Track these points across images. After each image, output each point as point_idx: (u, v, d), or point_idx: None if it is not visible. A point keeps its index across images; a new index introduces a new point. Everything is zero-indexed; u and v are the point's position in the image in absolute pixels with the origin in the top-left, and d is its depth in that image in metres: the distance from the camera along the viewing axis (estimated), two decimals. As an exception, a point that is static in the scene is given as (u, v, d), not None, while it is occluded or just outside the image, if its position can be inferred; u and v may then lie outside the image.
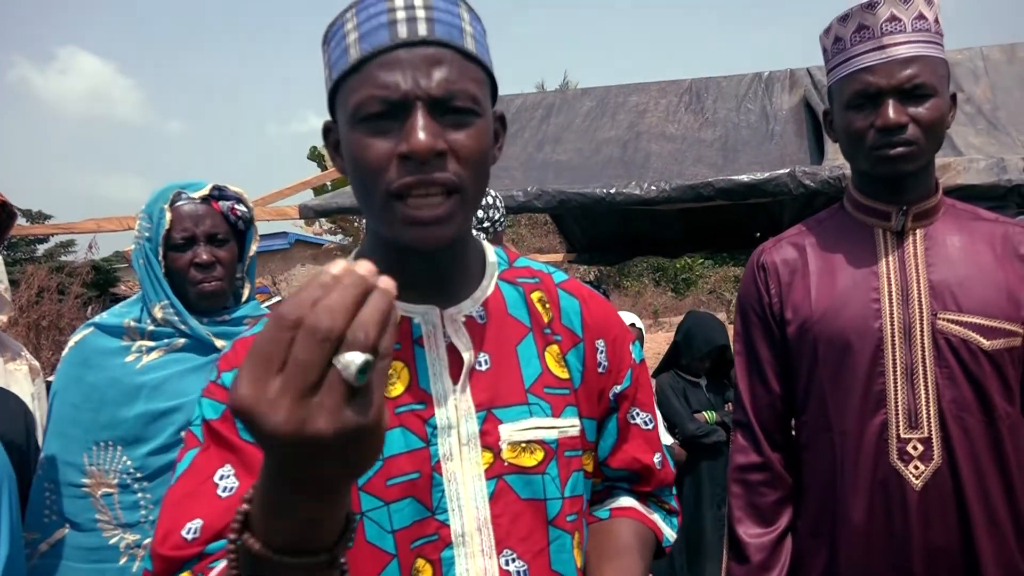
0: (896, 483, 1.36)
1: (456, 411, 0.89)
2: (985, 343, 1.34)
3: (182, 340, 1.70)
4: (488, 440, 0.89)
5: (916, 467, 1.35)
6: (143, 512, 1.62)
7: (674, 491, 1.15)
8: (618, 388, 1.03)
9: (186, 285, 1.70)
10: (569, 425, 0.94)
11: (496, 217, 2.16)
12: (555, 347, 0.97)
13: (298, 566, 0.54)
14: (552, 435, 0.92)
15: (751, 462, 1.53)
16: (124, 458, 1.62)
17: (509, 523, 0.89)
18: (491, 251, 1.02)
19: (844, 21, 1.41)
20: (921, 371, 1.36)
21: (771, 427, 1.53)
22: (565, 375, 0.97)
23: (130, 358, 1.67)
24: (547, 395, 0.94)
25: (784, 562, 1.50)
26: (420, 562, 0.86)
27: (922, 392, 1.36)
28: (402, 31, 0.81)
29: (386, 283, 0.49)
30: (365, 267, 0.49)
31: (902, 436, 1.36)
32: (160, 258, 1.69)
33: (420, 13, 0.82)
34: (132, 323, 1.70)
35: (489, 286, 0.97)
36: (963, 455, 1.33)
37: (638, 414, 1.05)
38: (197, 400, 0.88)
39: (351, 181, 0.87)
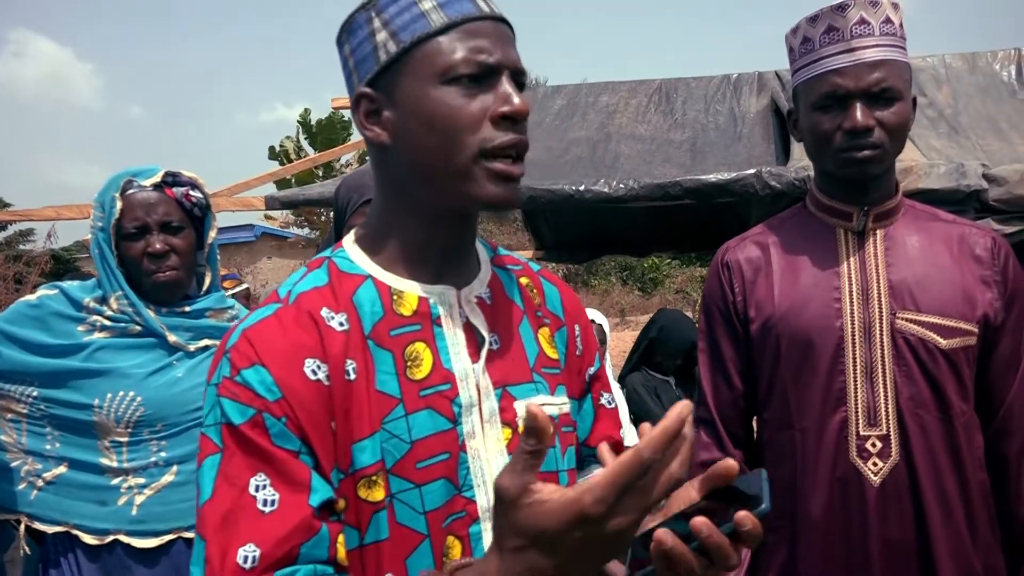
0: (855, 480, 1.37)
1: (478, 389, 0.91)
2: (942, 342, 1.36)
3: (137, 328, 1.68)
4: (507, 416, 0.92)
5: (875, 464, 1.37)
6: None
7: None
8: (591, 370, 1.08)
9: (141, 276, 1.67)
10: (562, 403, 0.99)
11: None
12: (546, 329, 1.02)
13: None
14: (554, 411, 0.96)
15: (713, 459, 1.54)
16: (33, 394, 1.63)
17: None
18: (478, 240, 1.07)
19: (813, 22, 1.42)
20: (880, 369, 1.38)
21: (733, 424, 1.54)
22: (555, 355, 1.01)
23: (82, 328, 1.66)
24: (544, 374, 0.98)
25: (744, 558, 1.51)
26: (450, 539, 0.87)
27: (881, 390, 1.38)
28: (484, 6, 0.88)
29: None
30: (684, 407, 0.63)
31: (861, 433, 1.38)
32: (113, 248, 1.66)
33: None
34: (93, 303, 1.68)
35: (489, 270, 1.01)
36: (920, 452, 1.36)
37: (603, 394, 1.11)
38: (216, 401, 0.81)
39: (418, 142, 0.87)
